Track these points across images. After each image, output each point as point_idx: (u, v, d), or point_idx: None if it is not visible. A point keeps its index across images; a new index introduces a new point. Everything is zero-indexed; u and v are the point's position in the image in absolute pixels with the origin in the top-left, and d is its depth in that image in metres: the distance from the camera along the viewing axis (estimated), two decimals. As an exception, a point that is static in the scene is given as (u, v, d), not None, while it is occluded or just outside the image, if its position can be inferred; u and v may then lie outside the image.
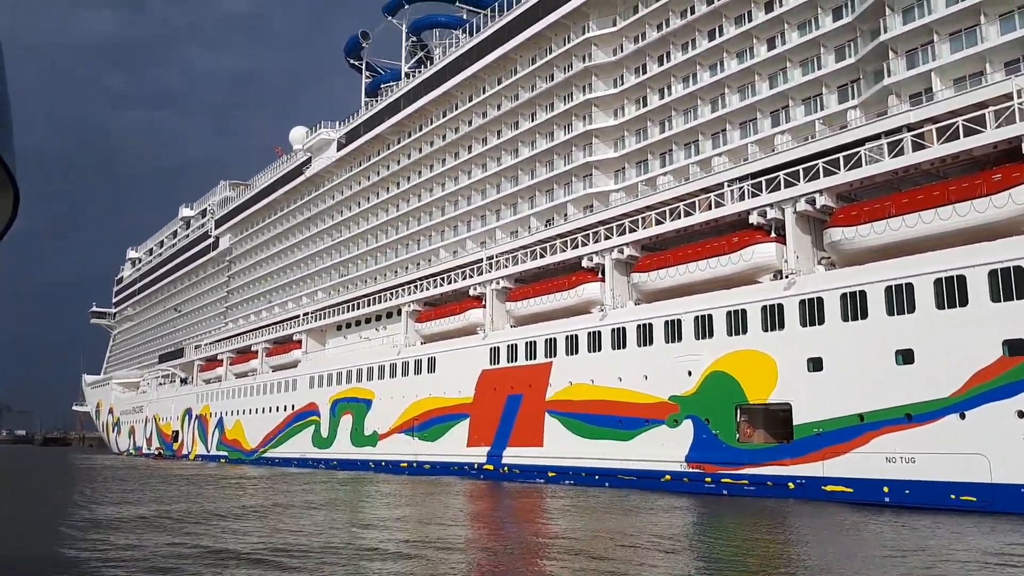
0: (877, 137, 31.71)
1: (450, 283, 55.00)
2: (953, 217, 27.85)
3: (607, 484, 39.37)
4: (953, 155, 28.99)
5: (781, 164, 35.28)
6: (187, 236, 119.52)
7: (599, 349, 41.35)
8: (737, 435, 34.17)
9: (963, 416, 26.55)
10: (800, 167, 33.45)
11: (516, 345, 47.12)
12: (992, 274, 26.28)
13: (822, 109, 36.40)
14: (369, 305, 65.10)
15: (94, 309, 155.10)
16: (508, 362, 47.55)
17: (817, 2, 37.17)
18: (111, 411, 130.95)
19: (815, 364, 31.34)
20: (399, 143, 68.40)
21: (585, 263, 43.75)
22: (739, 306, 34.64)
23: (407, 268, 65.27)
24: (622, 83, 47.61)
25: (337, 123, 78.30)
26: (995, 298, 26.19)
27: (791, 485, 31.50)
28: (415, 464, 54.35)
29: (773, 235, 34.85)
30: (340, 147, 76.45)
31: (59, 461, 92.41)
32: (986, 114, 27.79)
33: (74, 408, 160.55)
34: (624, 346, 39.90)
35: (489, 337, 49.76)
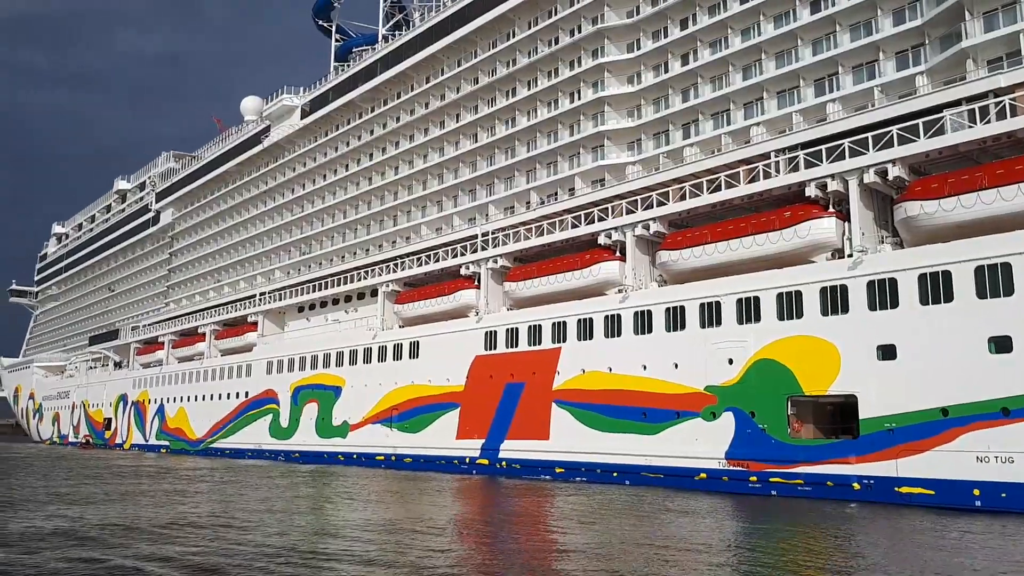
0: (956, 104, 28.76)
1: (437, 261, 50.34)
2: None
3: (627, 482, 35.68)
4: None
5: (835, 134, 32.12)
6: (123, 210, 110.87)
7: (619, 334, 37.53)
8: (789, 430, 30.86)
9: (1073, 412, 23.73)
10: (868, 135, 30.24)
11: (517, 329, 42.93)
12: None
13: (879, 76, 33.29)
14: (338, 285, 59.82)
15: (13, 287, 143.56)
16: (507, 347, 43.31)
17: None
18: (32, 396, 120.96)
19: (886, 352, 28.20)
20: (373, 111, 63.15)
21: (602, 240, 39.82)
22: (793, 287, 31.28)
23: (381, 246, 60.18)
24: (637, 48, 43.82)
25: (301, 89, 72.38)
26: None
27: (856, 486, 28.33)
28: (393, 458, 49.64)
29: (832, 210, 31.62)
30: (304, 115, 70.62)
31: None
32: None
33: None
34: (650, 331, 36.19)
35: (484, 320, 45.41)
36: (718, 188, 35.17)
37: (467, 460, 44.43)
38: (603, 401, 37.55)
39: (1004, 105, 27.05)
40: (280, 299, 66.84)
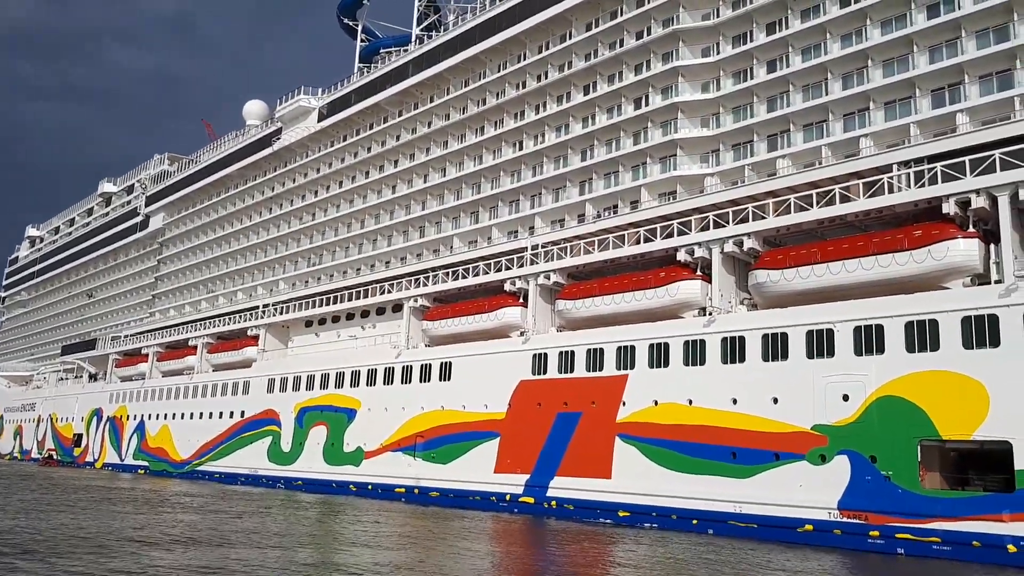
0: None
1: (477, 275, 45.89)
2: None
3: (710, 531, 31.19)
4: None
5: (963, 148, 28.61)
6: (107, 214, 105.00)
7: (702, 362, 33.30)
8: (921, 479, 26.69)
9: None
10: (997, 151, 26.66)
11: (573, 352, 38.51)
12: None
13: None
14: (356, 299, 55.00)
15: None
16: (560, 373, 38.83)
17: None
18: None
19: (1050, 393, 24.28)
20: (402, 115, 58.97)
21: (682, 257, 35.72)
22: (926, 316, 27.37)
23: (404, 259, 55.65)
24: (716, 52, 40.34)
25: (320, 91, 68.08)
26: None
27: (1012, 548, 24.14)
28: (416, 490, 44.59)
29: (972, 230, 27.91)
30: (322, 117, 66.24)
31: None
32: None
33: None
34: (742, 360, 32.01)
35: (532, 341, 40.94)
36: (830, 203, 31.34)
37: (507, 497, 39.58)
38: (681, 438, 33.15)
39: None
40: (286, 312, 61.72)
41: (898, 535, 26.57)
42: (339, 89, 65.33)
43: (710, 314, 33.78)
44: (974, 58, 31.10)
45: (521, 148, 48.90)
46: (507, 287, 43.63)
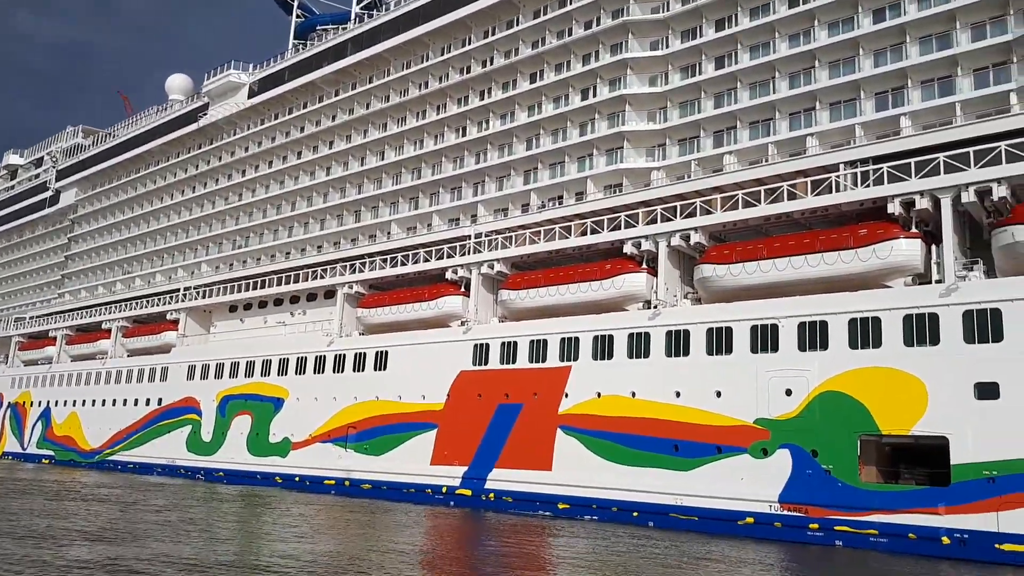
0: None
1: (416, 263, 44.72)
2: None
3: (651, 524, 31.12)
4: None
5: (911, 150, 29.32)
6: (12, 187, 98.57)
7: (646, 355, 33.18)
8: (860, 473, 27.17)
9: None
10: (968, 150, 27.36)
11: (515, 343, 37.89)
12: None
13: (958, 91, 30.85)
14: (285, 283, 52.96)
15: None
16: (503, 363, 38.17)
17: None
18: None
19: (987, 390, 25.00)
20: (339, 95, 56.98)
21: (629, 250, 35.53)
22: (868, 313, 27.86)
23: (338, 243, 53.90)
24: (666, 46, 40.32)
25: (251, 66, 65.30)
26: None
27: (946, 540, 24.79)
28: (347, 483, 43.21)
29: (916, 231, 28.58)
30: (253, 94, 63.52)
31: None
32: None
33: None
34: (686, 353, 32.03)
35: (473, 331, 40.13)
36: (777, 200, 31.61)
37: (444, 490, 38.71)
38: (624, 430, 32.96)
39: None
40: (209, 296, 59.00)
41: (837, 528, 26.99)
42: (272, 65, 62.74)
43: (655, 307, 33.68)
44: (917, 63, 31.87)
45: (464, 134, 47.91)
46: (448, 276, 42.66)
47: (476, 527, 30.78)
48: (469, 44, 48.81)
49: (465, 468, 38.26)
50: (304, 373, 48.08)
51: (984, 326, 25.49)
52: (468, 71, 48.66)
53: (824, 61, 34.86)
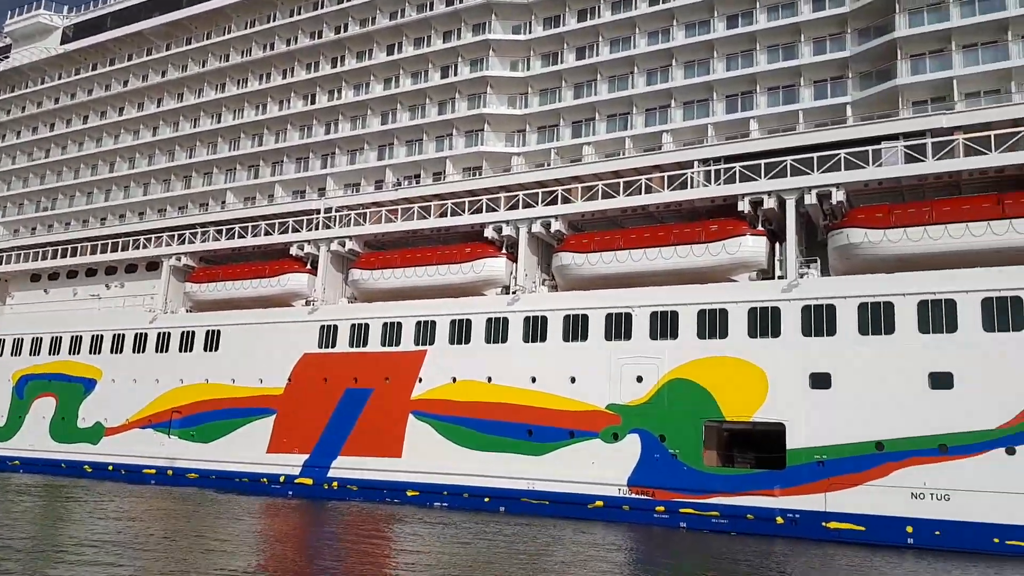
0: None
1: (257, 236, 41.78)
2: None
3: (502, 509, 31.09)
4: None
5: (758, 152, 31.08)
6: None
7: (503, 340, 32.99)
8: (704, 457, 28.51)
9: (1012, 451, 23.93)
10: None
11: (367, 325, 36.42)
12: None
13: (800, 100, 32.99)
14: (99, 252, 47.79)
15: None
16: (352, 346, 36.56)
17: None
18: None
19: (820, 380, 27.01)
20: (170, 49, 52.07)
21: (489, 234, 35.08)
22: (716, 305, 29.23)
23: (164, 211, 49.32)
24: (529, 31, 40.13)
25: (65, 9, 58.22)
26: (1059, 326, 24.14)
27: (779, 520, 26.58)
28: (170, 472, 39.78)
29: (762, 228, 30.29)
30: (66, 40, 56.65)
31: None
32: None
33: None
34: (543, 339, 32.15)
35: (320, 312, 38.13)
36: (636, 192, 32.37)
37: (282, 479, 36.56)
38: (479, 415, 32.61)
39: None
40: (6, 262, 52.11)
41: (681, 510, 28.16)
42: (92, 10, 56.26)
43: (514, 293, 33.52)
44: (765, 71, 33.75)
45: (313, 102, 45.30)
46: (293, 251, 40.21)
47: (315, 517, 29.22)
48: (322, 8, 46.18)
49: (306, 456, 36.33)
50: (121, 352, 43.66)
51: (820, 320, 27.47)
52: (320, 36, 46.02)
53: (680, 61, 36.12)
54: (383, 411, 34.76)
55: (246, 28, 48.93)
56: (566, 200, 33.78)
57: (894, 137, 28.79)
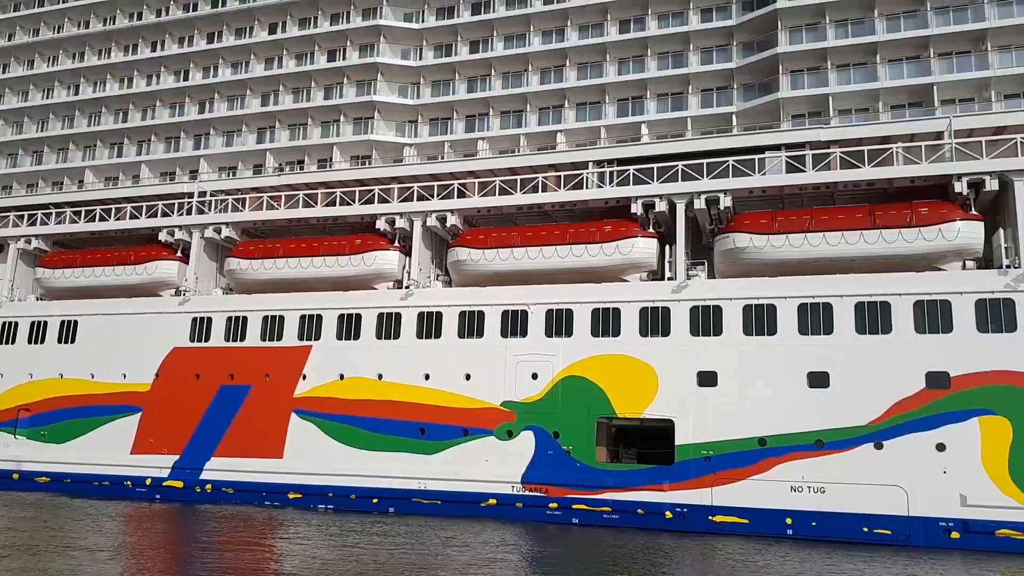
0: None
1: (121, 219, 38.56)
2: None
3: (391, 510, 30.39)
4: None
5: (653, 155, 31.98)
6: None
7: (396, 336, 32.18)
8: (596, 454, 29.03)
9: (880, 446, 25.90)
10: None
11: (245, 318, 34.50)
12: (918, 304, 26.41)
13: (687, 108, 34.21)
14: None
15: None
16: (228, 341, 34.52)
17: None
18: None
19: (707, 379, 28.13)
20: (18, 10, 47.03)
21: (381, 225, 34.03)
22: (610, 304, 29.81)
23: (10, 188, 44.61)
24: (421, 20, 39.26)
25: None
26: (920, 329, 26.30)
27: (668, 515, 27.51)
28: (16, 475, 36.12)
29: (652, 231, 31.10)
30: None
31: None
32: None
33: None
34: (438, 335, 31.62)
35: (193, 303, 35.73)
36: (534, 190, 32.41)
37: (148, 482, 34.02)
38: (368, 413, 31.65)
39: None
40: None
41: (574, 506, 28.54)
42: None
43: (408, 287, 32.74)
44: (655, 77, 34.70)
45: (186, 78, 42.32)
46: (162, 237, 37.43)
47: (187, 522, 27.40)
48: (200, -25, 43.20)
49: (176, 457, 33.97)
50: (-44, 343, 39.11)
51: (707, 321, 28.59)
52: (194, 8, 43.02)
53: (574, 62, 36.51)
54: (263, 409, 33.05)
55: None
56: (462, 194, 33.35)
57: (777, 147, 30.38)
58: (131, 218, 38.33)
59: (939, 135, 28.51)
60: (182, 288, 36.44)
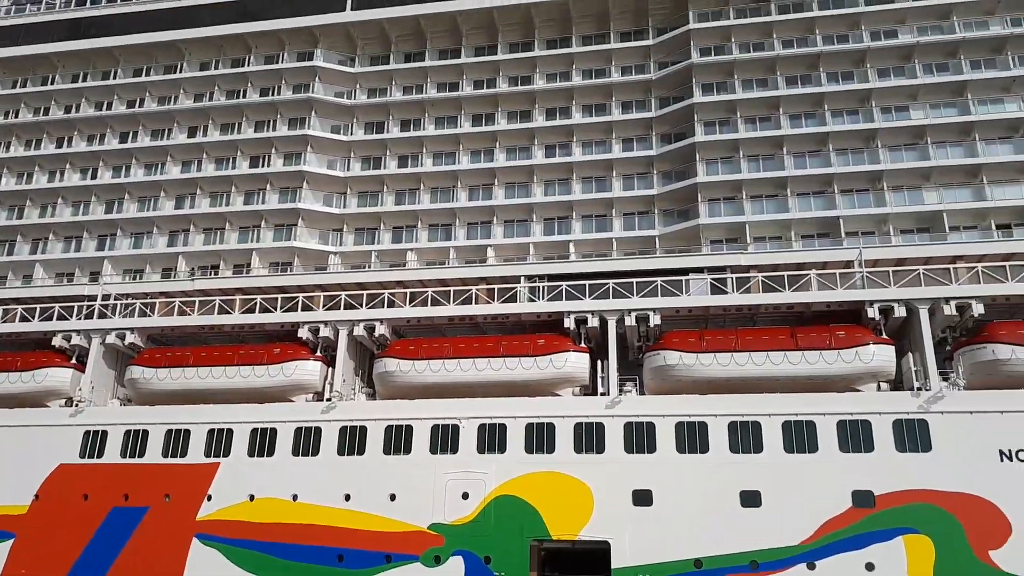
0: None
1: (9, 321, 35.32)
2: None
3: (303, 648, 27.64)
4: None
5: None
6: None
7: (315, 453, 30.32)
8: (531, 577, 27.71)
9: (812, 566, 26.01)
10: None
11: (145, 432, 31.76)
12: (841, 424, 27.38)
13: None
14: None
15: None
16: (124, 457, 31.53)
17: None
18: None
19: (642, 497, 27.76)
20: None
21: (304, 334, 32.65)
22: (544, 419, 29.34)
23: None
24: (350, 133, 39.51)
25: None
26: (844, 448, 27.14)
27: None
28: None
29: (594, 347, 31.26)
30: None
31: None
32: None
33: None
34: (361, 452, 30.04)
35: (86, 414, 32.65)
36: (467, 302, 32.16)
37: (12, 622, 29.75)
38: (279, 538, 29.19)
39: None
40: None
41: (506, 637, 26.86)
42: None
43: (330, 399, 31.18)
44: (579, 199, 35.96)
45: (94, 176, 40.40)
46: (56, 342, 34.44)
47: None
48: (113, 78, 42.11)
49: (52, 590, 29.99)
50: None
51: (641, 438, 28.53)
52: (108, 107, 41.64)
53: (502, 181, 37.40)
54: (160, 534, 29.95)
55: (14, 87, 43.07)
56: (392, 304, 32.66)
57: (700, 270, 31.68)
58: (22, 320, 35.19)
59: (849, 264, 30.59)
60: (75, 398, 33.31)
